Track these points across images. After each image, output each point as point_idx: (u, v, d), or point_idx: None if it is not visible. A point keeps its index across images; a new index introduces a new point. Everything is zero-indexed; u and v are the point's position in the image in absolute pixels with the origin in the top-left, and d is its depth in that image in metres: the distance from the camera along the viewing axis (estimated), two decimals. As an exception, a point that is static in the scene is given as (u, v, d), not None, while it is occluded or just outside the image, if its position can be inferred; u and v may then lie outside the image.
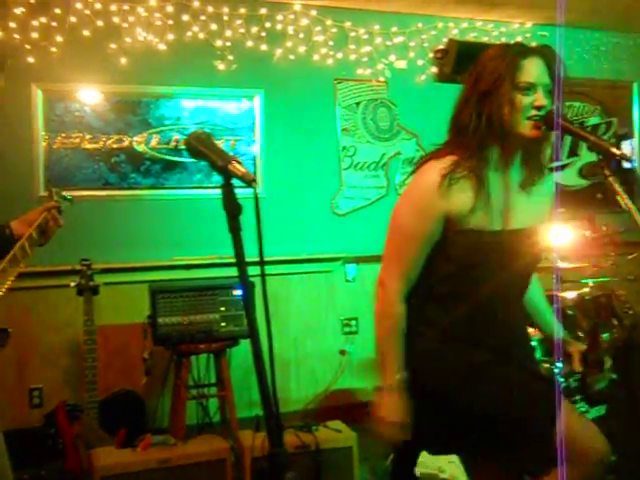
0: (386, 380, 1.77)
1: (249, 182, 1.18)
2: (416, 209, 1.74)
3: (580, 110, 5.18)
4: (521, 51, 1.71)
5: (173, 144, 4.22)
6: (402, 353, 1.77)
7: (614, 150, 1.57)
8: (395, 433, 1.78)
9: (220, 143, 4.34)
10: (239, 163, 1.19)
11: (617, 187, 1.59)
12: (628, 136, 5.38)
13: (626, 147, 5.37)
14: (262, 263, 1.23)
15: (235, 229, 1.17)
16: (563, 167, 5.12)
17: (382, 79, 4.69)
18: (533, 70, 1.67)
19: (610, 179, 1.58)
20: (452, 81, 4.54)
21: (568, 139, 5.11)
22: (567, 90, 5.04)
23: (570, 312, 3.37)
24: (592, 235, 4.34)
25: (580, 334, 3.31)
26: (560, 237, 4.73)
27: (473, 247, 1.71)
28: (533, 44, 4.72)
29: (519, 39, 4.97)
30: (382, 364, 1.79)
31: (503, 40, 4.91)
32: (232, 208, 1.17)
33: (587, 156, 5.18)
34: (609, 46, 5.29)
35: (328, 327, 4.40)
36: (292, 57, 4.46)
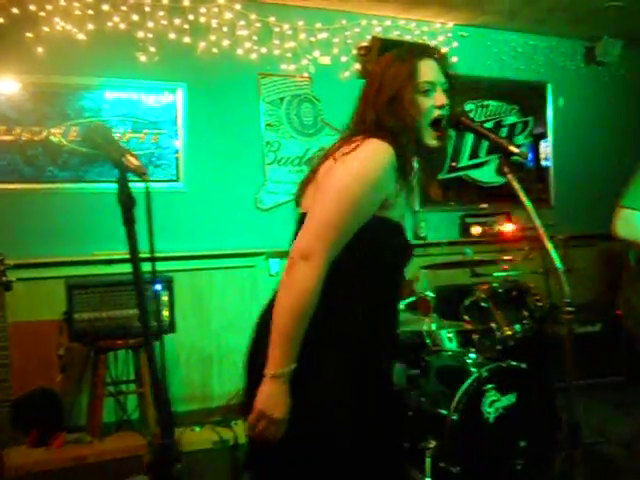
0: (277, 367, 1.53)
1: (141, 175, 1.17)
2: (365, 185, 1.59)
3: (497, 110, 5.34)
4: (417, 53, 1.74)
5: (92, 137, 4.12)
6: (301, 340, 1.55)
7: (512, 148, 1.62)
8: (272, 432, 1.54)
9: (142, 137, 4.28)
10: (133, 156, 1.18)
11: (515, 184, 1.64)
12: (544, 135, 5.58)
13: (543, 147, 5.57)
14: (153, 259, 1.19)
15: (129, 221, 1.16)
16: (481, 164, 5.28)
17: (306, 75, 4.71)
18: (430, 70, 1.70)
19: (509, 176, 1.62)
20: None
21: (487, 137, 5.27)
22: (484, 89, 5.17)
23: (484, 304, 3.48)
24: (508, 230, 4.51)
25: (493, 325, 3.43)
26: (477, 231, 4.90)
27: (390, 235, 1.68)
28: (443, 47, 4.91)
29: (441, 39, 5.13)
30: (279, 347, 1.54)
31: (425, 39, 5.03)
32: (126, 201, 1.16)
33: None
34: (526, 47, 5.47)
35: (251, 322, 4.38)
36: (215, 50, 4.43)
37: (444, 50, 5.05)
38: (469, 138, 5.22)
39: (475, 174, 5.25)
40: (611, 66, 5.75)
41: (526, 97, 5.49)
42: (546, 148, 5.56)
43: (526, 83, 5.47)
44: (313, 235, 1.56)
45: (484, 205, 5.18)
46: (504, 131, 5.35)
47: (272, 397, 1.53)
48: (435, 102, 1.68)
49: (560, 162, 5.52)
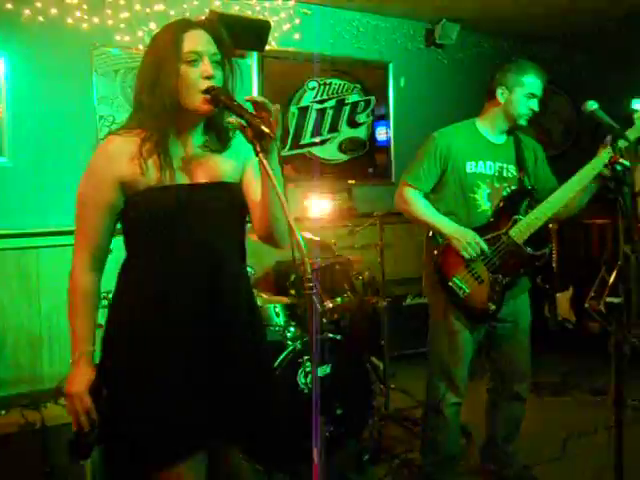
0: (72, 354, 1.75)
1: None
2: (91, 180, 1.76)
3: (339, 88, 5.44)
4: (182, 24, 1.74)
5: None
6: (92, 326, 1.78)
7: (264, 128, 1.62)
8: (77, 407, 1.72)
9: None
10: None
11: (266, 165, 1.63)
12: (385, 118, 5.75)
13: (381, 129, 5.74)
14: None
15: None
16: (323, 142, 5.38)
17: (142, 47, 4.59)
18: (196, 40, 1.69)
19: (260, 156, 1.62)
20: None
21: (329, 115, 5.38)
22: (327, 67, 5.25)
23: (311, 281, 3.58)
24: (343, 206, 4.63)
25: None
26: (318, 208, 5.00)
27: (154, 206, 1.72)
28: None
29: (283, 15, 5.14)
30: (70, 337, 1.77)
31: (266, 15, 5.03)
32: None
33: (346, 131, 5.50)
34: (368, 27, 5.58)
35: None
36: (42, 19, 4.20)
37: (286, 27, 5.10)
38: (312, 115, 5.30)
39: (317, 151, 5.35)
40: (450, 48, 6.00)
41: (368, 76, 5.61)
42: (387, 130, 5.75)
43: (368, 62, 5.59)
44: (74, 239, 1.80)
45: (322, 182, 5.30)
46: (346, 109, 5.46)
47: (69, 378, 1.74)
48: (201, 72, 1.69)
49: (401, 140, 5.72)
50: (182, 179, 1.76)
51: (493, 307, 2.76)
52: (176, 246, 1.75)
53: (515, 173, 2.87)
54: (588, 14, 5.64)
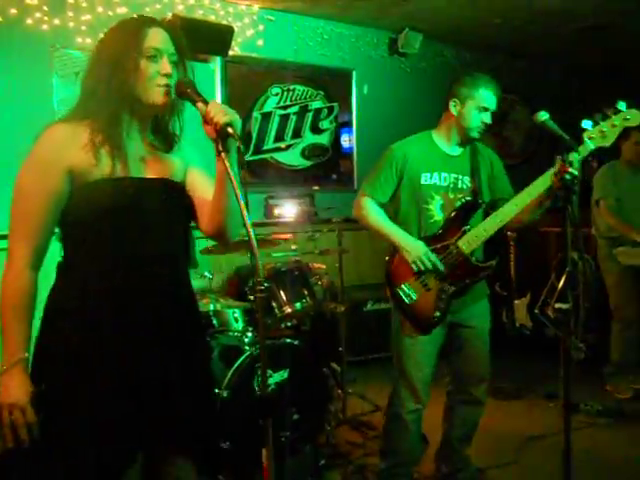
0: (5, 361, 1.61)
1: None
2: (36, 170, 1.68)
3: (303, 94, 5.47)
4: (146, 21, 1.74)
5: None
6: (29, 330, 1.65)
7: (229, 129, 1.62)
8: (17, 420, 1.60)
9: None
10: None
11: (227, 164, 1.63)
12: (349, 125, 5.81)
13: (345, 136, 5.79)
14: None
15: None
16: (287, 147, 5.40)
17: (104, 50, 4.55)
18: (158, 38, 1.70)
19: (222, 155, 1.63)
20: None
21: (293, 121, 5.41)
22: (291, 74, 5.25)
23: (266, 284, 3.57)
24: (308, 212, 4.65)
25: (274, 304, 3.54)
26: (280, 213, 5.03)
27: (106, 197, 1.67)
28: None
29: (247, 21, 5.16)
30: (4, 342, 1.62)
31: (230, 20, 5.04)
32: None
33: (310, 137, 5.53)
34: (332, 35, 5.63)
35: None
36: (0, 19, 4.16)
37: (250, 33, 5.11)
38: (275, 121, 5.31)
39: (280, 156, 5.37)
40: (413, 57, 6.08)
41: (332, 83, 5.66)
42: (349, 137, 5.79)
43: (332, 69, 5.64)
44: (9, 234, 1.68)
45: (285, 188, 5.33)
46: (309, 116, 5.50)
47: (2, 388, 1.61)
48: (160, 69, 1.69)
49: (364, 147, 5.77)
50: (135, 172, 1.73)
51: (438, 314, 2.79)
52: (126, 241, 1.71)
53: (470, 184, 2.91)
54: (546, 26, 5.77)
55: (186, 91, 1.70)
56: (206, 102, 1.66)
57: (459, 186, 2.89)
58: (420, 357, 2.88)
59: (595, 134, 2.56)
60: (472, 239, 2.78)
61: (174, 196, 1.82)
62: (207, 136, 1.67)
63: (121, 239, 1.70)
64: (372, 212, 2.89)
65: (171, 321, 1.78)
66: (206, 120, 1.64)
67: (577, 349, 2.43)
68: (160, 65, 1.70)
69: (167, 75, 1.70)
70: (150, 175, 1.78)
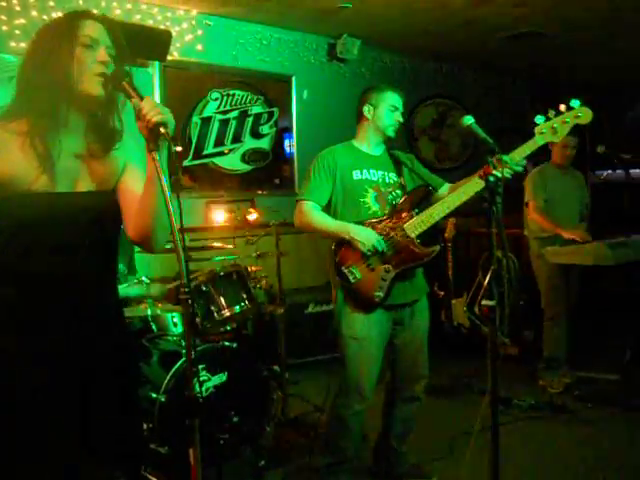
0: None
1: None
2: None
3: (243, 99, 5.49)
4: (82, 13, 1.75)
5: None
6: None
7: (162, 129, 1.63)
8: None
9: None
10: None
11: (157, 162, 1.63)
12: (289, 130, 5.85)
13: (287, 141, 5.84)
14: None
15: None
16: (228, 152, 5.41)
17: (38, 54, 4.49)
18: (93, 28, 1.71)
19: (153, 153, 1.63)
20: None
21: (232, 125, 5.43)
22: (230, 79, 5.25)
23: (204, 288, 3.58)
24: (251, 217, 4.67)
25: (213, 308, 3.55)
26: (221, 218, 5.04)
27: (20, 211, 1.66)
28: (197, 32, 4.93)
29: (185, 26, 5.16)
30: None
31: (168, 25, 5.03)
32: None
33: (250, 142, 5.55)
34: (271, 40, 5.66)
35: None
36: None
37: (188, 37, 5.12)
38: (215, 126, 5.32)
39: (220, 161, 5.37)
40: (352, 63, 6.17)
41: (272, 88, 5.69)
42: (290, 143, 5.85)
43: (272, 75, 5.67)
44: None
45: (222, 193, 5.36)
46: (249, 120, 5.52)
47: None
48: (97, 56, 1.68)
49: (303, 151, 5.81)
50: (62, 184, 1.71)
51: (380, 294, 2.90)
52: (36, 258, 1.69)
53: (396, 179, 3.09)
54: (483, 33, 5.94)
55: (121, 83, 1.67)
56: (141, 97, 1.65)
57: (387, 181, 3.07)
58: (366, 358, 2.96)
59: (546, 129, 2.68)
60: (417, 223, 2.92)
61: (101, 209, 1.80)
62: (139, 133, 1.66)
63: (31, 256, 1.68)
64: (314, 214, 2.99)
65: (86, 339, 1.76)
66: (139, 116, 1.63)
67: (503, 344, 2.52)
68: (97, 53, 1.69)
69: (104, 63, 1.69)
70: (81, 186, 1.76)
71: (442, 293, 5.26)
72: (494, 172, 2.46)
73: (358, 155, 3.09)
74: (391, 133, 3.08)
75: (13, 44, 4.40)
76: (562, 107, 2.69)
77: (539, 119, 2.73)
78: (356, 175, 3.01)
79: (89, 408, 1.75)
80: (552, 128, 2.68)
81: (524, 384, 4.58)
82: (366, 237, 2.88)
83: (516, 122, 6.80)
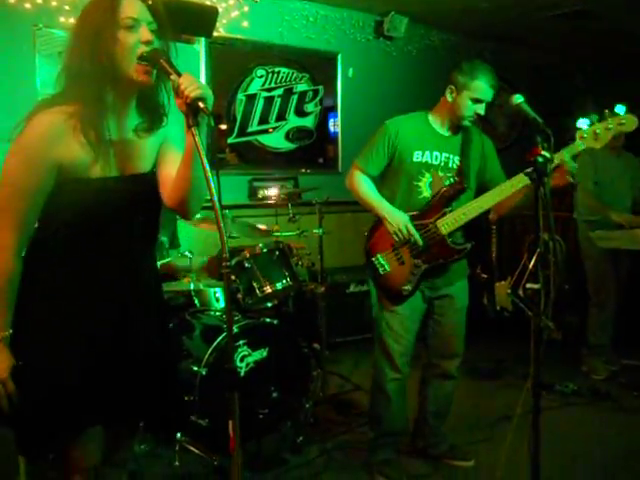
0: None
1: None
2: (25, 160, 1.69)
3: (288, 77, 5.47)
4: None
5: None
6: (11, 310, 1.72)
7: (200, 103, 1.62)
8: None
9: None
10: None
11: (196, 138, 1.62)
12: (334, 108, 5.82)
13: (331, 120, 5.81)
14: None
15: None
16: (272, 130, 5.41)
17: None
18: (134, 7, 1.68)
19: (192, 129, 1.63)
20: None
21: (277, 103, 5.42)
22: (276, 56, 5.24)
23: (247, 264, 3.61)
24: (288, 194, 4.67)
25: (255, 284, 3.57)
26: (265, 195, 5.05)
27: (85, 195, 1.71)
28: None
29: (231, 2, 5.15)
30: None
31: (214, 2, 5.02)
32: None
33: (294, 120, 5.54)
34: (318, 17, 5.61)
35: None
36: (-18, -3, 4.16)
37: (234, 14, 5.11)
38: (260, 103, 5.32)
39: (264, 139, 5.38)
40: (398, 41, 6.09)
41: (317, 66, 5.65)
42: (335, 118, 5.81)
43: (317, 52, 5.63)
44: None
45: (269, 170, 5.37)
46: (294, 98, 5.50)
47: None
48: (140, 37, 1.67)
49: (348, 131, 5.78)
50: (115, 168, 1.77)
51: (408, 288, 2.90)
52: (96, 239, 1.77)
53: (458, 164, 2.98)
54: (534, 11, 5.78)
55: (159, 61, 1.66)
56: (179, 74, 1.63)
57: (449, 165, 2.98)
58: (398, 330, 2.97)
59: (588, 134, 2.61)
60: (451, 221, 2.87)
61: (151, 190, 1.86)
62: (178, 109, 1.65)
63: (96, 236, 1.76)
64: (362, 184, 3.01)
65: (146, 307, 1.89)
66: (177, 93, 1.62)
67: (547, 328, 2.46)
68: (140, 33, 1.67)
69: (148, 42, 1.67)
70: (131, 166, 1.82)
71: (485, 276, 5.18)
72: (543, 152, 2.40)
73: (426, 132, 2.97)
74: (467, 124, 2.95)
75: (62, 19, 4.46)
76: (606, 112, 2.61)
77: (582, 122, 2.66)
78: (417, 156, 2.93)
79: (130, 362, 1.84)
80: (594, 134, 2.60)
81: (567, 370, 4.51)
82: (397, 220, 2.87)
83: (565, 104, 6.62)
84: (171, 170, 1.85)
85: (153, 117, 1.84)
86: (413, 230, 2.86)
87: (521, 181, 2.73)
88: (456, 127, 2.99)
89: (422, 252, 2.89)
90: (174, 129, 1.92)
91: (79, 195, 1.72)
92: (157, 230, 1.99)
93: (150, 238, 1.96)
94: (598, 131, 2.58)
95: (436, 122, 3.00)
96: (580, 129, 2.63)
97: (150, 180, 1.87)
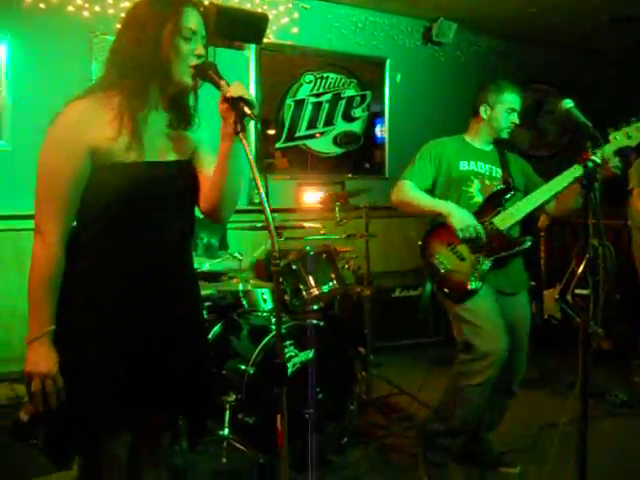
0: (35, 332, 1.69)
1: None
2: (60, 148, 1.71)
3: (336, 82, 5.53)
4: (182, 0, 1.77)
5: None
6: (56, 303, 1.71)
7: (246, 109, 1.69)
8: (48, 388, 1.68)
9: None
10: None
11: (245, 143, 1.68)
12: (381, 114, 5.85)
13: (379, 126, 5.84)
14: None
15: None
16: (320, 135, 5.47)
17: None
18: (194, 19, 1.75)
19: (240, 135, 1.69)
20: (212, 45, 4.66)
21: (325, 108, 5.47)
22: (324, 62, 5.29)
23: (294, 267, 3.65)
24: (336, 196, 4.69)
25: (301, 287, 3.62)
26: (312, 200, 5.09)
27: (122, 180, 1.72)
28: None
29: (282, 9, 5.23)
30: (33, 314, 1.70)
31: (265, 9, 5.11)
32: None
33: (342, 125, 5.58)
34: (366, 23, 5.67)
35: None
36: (43, 6, 4.31)
37: (284, 20, 5.19)
38: (308, 108, 5.38)
39: (312, 144, 5.44)
40: (447, 47, 6.08)
41: (365, 71, 5.70)
42: (381, 128, 5.83)
43: (365, 58, 5.68)
44: (36, 212, 1.71)
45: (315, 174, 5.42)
46: (342, 103, 5.55)
47: (34, 357, 1.68)
48: (195, 50, 1.74)
49: (395, 137, 5.80)
50: (150, 155, 1.78)
51: (473, 284, 2.92)
52: (139, 224, 1.78)
53: (502, 174, 3.09)
54: (583, 16, 5.71)
55: (208, 72, 1.74)
56: (228, 83, 1.71)
57: (494, 174, 3.09)
58: (475, 321, 2.91)
59: (620, 136, 2.64)
60: (506, 217, 2.95)
61: (186, 178, 1.88)
62: (222, 116, 1.72)
63: (135, 222, 1.77)
64: (413, 191, 3.05)
65: (181, 296, 1.90)
66: (226, 98, 1.68)
67: (595, 334, 2.42)
68: (195, 46, 1.74)
69: (200, 56, 1.75)
70: (166, 156, 1.83)
71: (533, 284, 5.12)
72: (593, 158, 2.39)
73: (467, 148, 3.14)
74: (505, 135, 3.11)
75: (119, 26, 4.58)
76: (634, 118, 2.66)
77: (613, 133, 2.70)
78: (463, 165, 3.06)
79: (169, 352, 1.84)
80: (626, 133, 2.63)
81: (617, 380, 4.42)
82: (462, 218, 2.91)
83: (613, 108, 6.49)
84: (203, 177, 1.90)
85: (180, 115, 1.88)
86: (479, 227, 2.91)
87: (574, 172, 2.76)
88: (493, 142, 3.15)
89: (482, 247, 2.93)
90: (205, 135, 1.97)
91: (115, 180, 1.72)
92: (193, 220, 1.95)
93: (187, 226, 1.92)
94: (630, 132, 2.63)
95: (474, 140, 3.17)
96: (612, 131, 2.66)
97: (186, 168, 1.89)
